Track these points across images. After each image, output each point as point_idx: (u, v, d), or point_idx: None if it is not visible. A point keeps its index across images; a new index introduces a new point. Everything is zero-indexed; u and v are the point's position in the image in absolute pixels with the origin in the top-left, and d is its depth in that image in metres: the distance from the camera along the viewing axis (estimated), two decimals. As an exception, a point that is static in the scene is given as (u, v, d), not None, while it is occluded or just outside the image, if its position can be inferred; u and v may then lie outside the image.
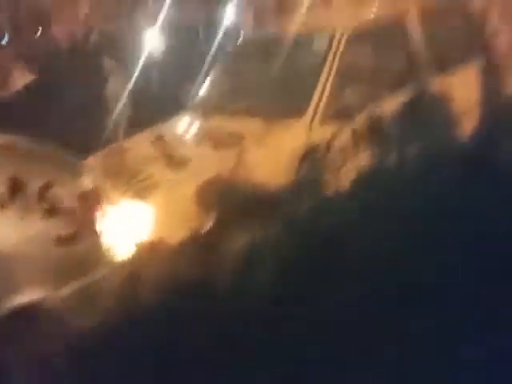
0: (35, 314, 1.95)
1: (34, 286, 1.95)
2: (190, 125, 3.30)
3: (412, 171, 2.98)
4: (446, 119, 3.20)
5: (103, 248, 2.13)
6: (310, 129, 2.77)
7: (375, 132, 2.92)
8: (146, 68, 4.24)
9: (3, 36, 5.45)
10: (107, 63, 4.50)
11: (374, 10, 3.40)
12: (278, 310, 2.19)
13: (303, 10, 3.47)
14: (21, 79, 4.11)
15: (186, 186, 2.52)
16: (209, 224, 2.46)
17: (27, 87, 4.06)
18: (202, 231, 2.44)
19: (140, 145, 3.23)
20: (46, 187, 2.05)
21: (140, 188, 2.59)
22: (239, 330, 2.11)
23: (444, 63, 3.22)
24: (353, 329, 2.05)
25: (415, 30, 3.16)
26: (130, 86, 4.13)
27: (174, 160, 2.79)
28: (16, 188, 2.00)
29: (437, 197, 2.66)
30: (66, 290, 2.01)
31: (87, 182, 2.20)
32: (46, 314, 1.97)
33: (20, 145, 2.38)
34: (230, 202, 2.54)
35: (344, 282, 2.28)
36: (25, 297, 1.92)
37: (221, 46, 4.32)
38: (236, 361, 2.01)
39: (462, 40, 3.31)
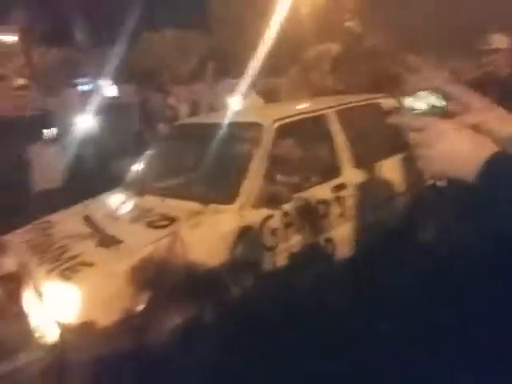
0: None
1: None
2: (124, 202, 3.29)
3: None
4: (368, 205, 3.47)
5: (26, 333, 2.00)
6: (242, 213, 2.88)
7: (304, 217, 3.10)
8: (82, 143, 4.24)
9: None
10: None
11: (300, 107, 3.75)
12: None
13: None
14: None
15: (118, 265, 2.48)
16: (142, 304, 2.41)
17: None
18: (135, 312, 2.38)
19: (69, 220, 3.15)
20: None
21: (68, 267, 2.50)
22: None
23: (365, 157, 3.54)
24: None
25: (334, 126, 3.48)
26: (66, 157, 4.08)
27: (105, 237, 2.75)
28: None
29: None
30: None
31: (9, 263, 2.10)
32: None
33: None
34: (165, 281, 2.52)
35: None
36: None
37: (155, 126, 4.45)
38: None
39: (381, 137, 3.65)
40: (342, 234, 3.29)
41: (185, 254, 2.64)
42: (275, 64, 7.00)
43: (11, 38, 10.71)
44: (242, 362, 2.35)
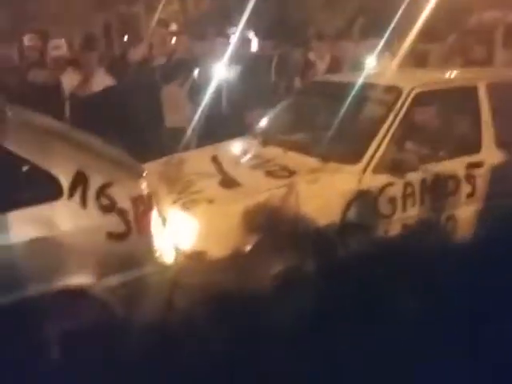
0: (80, 297, 2.09)
1: (82, 272, 2.09)
2: (248, 150, 3.42)
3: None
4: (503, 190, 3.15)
5: (149, 249, 2.25)
6: (363, 175, 2.82)
7: (428, 190, 2.93)
8: (217, 89, 4.44)
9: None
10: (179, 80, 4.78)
11: (447, 76, 3.45)
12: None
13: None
14: (99, 83, 4.41)
15: (234, 205, 2.62)
16: (250, 245, 2.54)
17: (104, 91, 4.35)
18: (243, 251, 2.53)
19: (198, 159, 3.38)
20: (107, 185, 2.20)
21: (191, 200, 2.72)
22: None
23: (508, 137, 3.18)
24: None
25: (484, 100, 3.15)
26: (201, 104, 4.32)
27: (227, 179, 2.91)
28: (80, 181, 2.16)
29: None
30: (110, 281, 2.14)
31: (143, 187, 2.34)
32: (91, 300, 2.11)
33: (90, 142, 2.58)
34: (275, 228, 2.62)
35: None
36: (73, 280, 2.06)
37: (291, 80, 4.46)
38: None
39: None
40: (466, 216, 3.05)
41: (298, 207, 2.69)
42: (430, 29, 6.47)
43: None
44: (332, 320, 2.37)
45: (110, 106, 4.07)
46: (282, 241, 2.62)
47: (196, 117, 4.32)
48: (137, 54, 4.90)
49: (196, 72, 4.72)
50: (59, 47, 4.59)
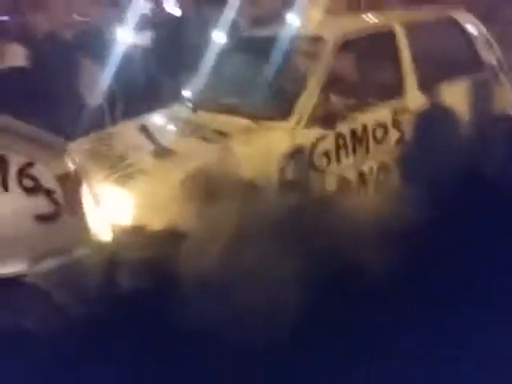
0: (15, 285, 1.98)
1: (14, 259, 1.98)
2: (178, 117, 3.33)
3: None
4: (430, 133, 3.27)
5: (83, 229, 2.15)
6: (295, 131, 2.82)
7: (358, 140, 2.99)
8: (137, 57, 4.26)
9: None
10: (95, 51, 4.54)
11: (367, 21, 3.48)
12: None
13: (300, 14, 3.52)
14: (12, 58, 4.10)
15: (169, 175, 2.56)
16: (190, 214, 2.50)
17: (18, 67, 4.06)
18: (182, 220, 2.48)
19: (127, 132, 3.25)
20: (28, 165, 2.06)
21: (124, 174, 2.62)
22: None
23: (430, 79, 3.29)
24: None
25: (403, 42, 3.22)
26: (121, 74, 4.14)
27: (159, 149, 2.82)
28: (-1, 164, 2.01)
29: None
30: (44, 266, 2.04)
31: (69, 164, 2.21)
32: (26, 288, 2.01)
33: (5, 123, 2.40)
34: (213, 193, 2.58)
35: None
36: (4, 269, 1.95)
37: (216, 41, 4.34)
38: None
39: (451, 56, 3.37)
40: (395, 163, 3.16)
41: (235, 170, 2.66)
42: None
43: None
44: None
45: (25, 83, 3.81)
46: (223, 206, 2.59)
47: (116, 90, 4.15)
48: (39, 26, 4.58)
49: (111, 41, 4.49)
50: None
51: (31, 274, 2.02)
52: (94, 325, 2.11)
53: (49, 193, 2.07)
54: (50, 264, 2.05)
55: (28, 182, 2.04)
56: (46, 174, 2.08)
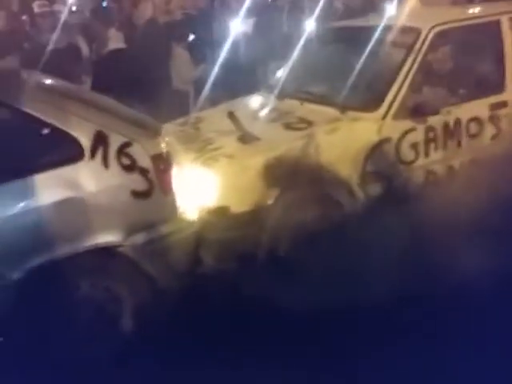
0: (109, 255, 2.15)
1: (109, 231, 2.14)
2: (264, 104, 3.38)
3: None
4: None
5: (172, 207, 2.28)
6: (383, 123, 2.76)
7: (451, 133, 2.86)
8: (228, 46, 4.35)
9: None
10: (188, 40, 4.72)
11: (467, 12, 3.30)
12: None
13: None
14: (114, 42, 4.37)
15: (254, 160, 2.62)
16: (272, 199, 2.55)
17: (117, 51, 4.31)
18: (265, 205, 2.54)
19: (214, 117, 3.36)
20: (126, 145, 2.21)
21: (210, 156, 2.72)
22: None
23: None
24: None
25: (507, 35, 3.01)
26: (213, 61, 4.25)
27: (245, 134, 2.89)
28: (100, 141, 2.17)
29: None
30: (137, 239, 2.18)
31: (162, 145, 2.34)
32: (119, 258, 2.18)
33: (107, 103, 2.58)
34: (296, 180, 2.61)
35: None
36: (100, 239, 2.12)
37: (304, 31, 4.32)
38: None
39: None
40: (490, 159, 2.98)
41: (318, 158, 2.67)
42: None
43: None
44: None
45: (121, 68, 4.05)
46: (304, 193, 2.61)
47: (209, 75, 4.27)
48: (141, 14, 4.82)
49: (205, 29, 4.63)
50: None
51: (124, 245, 2.17)
52: (180, 297, 2.23)
53: (143, 171, 2.21)
54: (141, 237, 2.19)
55: (125, 160, 2.19)
56: (142, 154, 2.22)
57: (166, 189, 2.26)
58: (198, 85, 4.66)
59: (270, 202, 2.57)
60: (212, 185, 2.58)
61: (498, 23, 3.05)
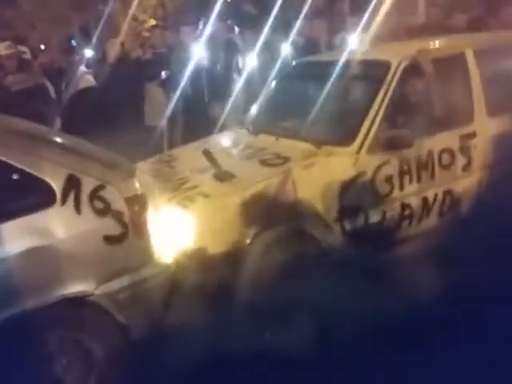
0: (83, 304, 2.05)
1: (81, 280, 2.05)
2: (239, 141, 3.37)
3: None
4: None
5: (147, 251, 2.21)
6: (358, 157, 2.78)
7: (424, 165, 2.90)
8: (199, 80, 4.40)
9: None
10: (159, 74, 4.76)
11: (433, 45, 3.41)
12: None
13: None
14: (83, 81, 4.35)
15: (231, 198, 2.58)
16: (250, 238, 2.50)
17: (87, 90, 4.29)
18: (243, 245, 2.49)
19: (189, 154, 3.33)
20: (99, 188, 2.15)
21: (186, 196, 2.67)
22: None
23: (499, 107, 3.16)
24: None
25: (472, 69, 3.12)
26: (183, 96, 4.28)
27: (221, 172, 2.86)
28: (72, 185, 2.10)
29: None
30: (111, 286, 2.10)
31: (137, 187, 2.29)
32: (92, 307, 2.07)
33: (78, 144, 2.52)
34: (274, 218, 2.58)
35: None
36: (71, 289, 2.02)
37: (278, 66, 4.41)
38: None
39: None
40: (464, 189, 3.03)
41: (295, 194, 2.65)
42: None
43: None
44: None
45: (92, 106, 4.03)
46: (282, 231, 2.58)
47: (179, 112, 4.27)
48: (111, 51, 4.85)
49: (174, 65, 4.68)
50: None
51: (96, 294, 2.07)
52: (155, 347, 2.14)
53: (117, 214, 2.14)
54: (114, 285, 2.11)
55: (99, 204, 2.13)
56: (115, 196, 2.16)
57: (141, 232, 2.19)
58: (172, 121, 4.68)
59: (247, 241, 2.52)
60: (188, 225, 2.52)
61: (463, 55, 3.15)
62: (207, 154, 3.11)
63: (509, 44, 3.45)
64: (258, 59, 4.76)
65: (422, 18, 6.05)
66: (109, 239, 2.10)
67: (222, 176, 2.80)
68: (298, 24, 5.03)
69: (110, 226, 2.12)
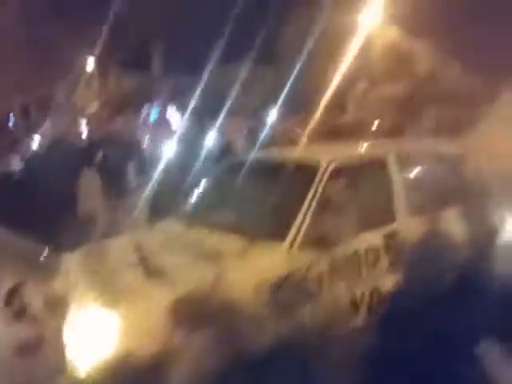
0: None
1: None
2: (173, 234, 3.34)
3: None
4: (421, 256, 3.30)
5: (65, 359, 2.04)
6: (289, 254, 2.83)
7: (351, 263, 2.99)
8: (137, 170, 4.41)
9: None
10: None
11: (359, 148, 3.68)
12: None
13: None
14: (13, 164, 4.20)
15: (160, 298, 2.49)
16: (179, 340, 2.39)
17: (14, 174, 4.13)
18: (173, 347, 2.37)
19: (120, 248, 3.23)
20: (16, 289, 2.01)
21: (114, 295, 2.54)
22: None
23: (419, 207, 3.39)
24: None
25: (392, 173, 3.37)
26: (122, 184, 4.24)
27: (151, 268, 2.78)
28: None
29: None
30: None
31: (58, 286, 2.16)
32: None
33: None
34: (205, 318, 2.50)
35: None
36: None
37: (213, 161, 4.54)
38: None
39: (442, 186, 3.50)
40: (389, 285, 3.14)
41: (227, 292, 2.61)
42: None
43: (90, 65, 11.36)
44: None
45: (15, 194, 3.86)
46: (213, 332, 2.50)
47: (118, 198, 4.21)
48: (44, 136, 4.80)
49: (111, 153, 4.69)
50: None
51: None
52: None
53: (33, 319, 1.99)
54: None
55: (15, 307, 1.97)
56: (34, 298, 2.02)
57: (57, 339, 2.04)
58: (107, 209, 4.58)
59: (177, 343, 2.41)
60: (114, 327, 2.38)
61: (385, 160, 3.41)
62: (138, 248, 3.05)
63: (428, 150, 3.81)
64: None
65: (351, 118, 6.58)
66: (22, 349, 1.93)
67: (153, 272, 2.72)
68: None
69: (25, 333, 1.96)
